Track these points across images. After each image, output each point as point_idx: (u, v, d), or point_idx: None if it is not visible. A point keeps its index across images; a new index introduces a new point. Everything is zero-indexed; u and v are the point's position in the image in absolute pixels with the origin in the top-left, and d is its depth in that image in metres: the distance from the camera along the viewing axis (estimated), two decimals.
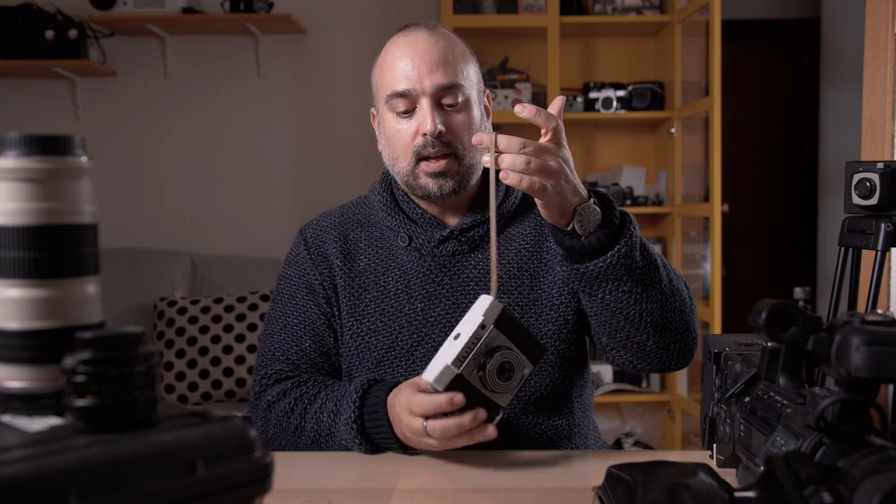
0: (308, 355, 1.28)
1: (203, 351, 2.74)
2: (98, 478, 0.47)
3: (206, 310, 2.79)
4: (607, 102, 3.12)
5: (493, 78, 3.14)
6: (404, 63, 1.22)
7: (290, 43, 3.30)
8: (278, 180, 3.33)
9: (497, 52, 3.29)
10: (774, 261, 4.58)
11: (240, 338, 2.75)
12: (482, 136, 1.06)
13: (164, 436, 0.51)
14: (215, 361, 2.73)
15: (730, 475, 0.90)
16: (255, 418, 1.27)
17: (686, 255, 3.41)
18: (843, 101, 3.78)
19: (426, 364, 1.06)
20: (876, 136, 1.86)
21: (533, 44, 3.23)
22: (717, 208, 2.94)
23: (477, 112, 1.27)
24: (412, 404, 1.04)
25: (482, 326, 1.02)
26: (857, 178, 1.36)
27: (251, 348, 2.74)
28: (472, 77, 1.27)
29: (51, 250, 0.56)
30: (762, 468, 0.63)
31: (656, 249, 1.18)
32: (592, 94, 3.14)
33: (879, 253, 1.36)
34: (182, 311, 2.80)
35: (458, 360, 1.01)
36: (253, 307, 2.79)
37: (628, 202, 3.16)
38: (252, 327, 2.76)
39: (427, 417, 1.03)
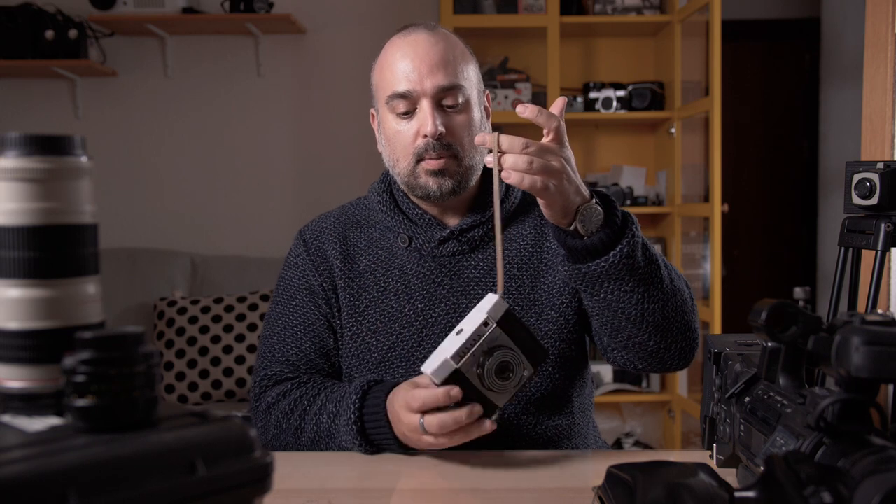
0: (308, 356, 1.28)
1: (203, 351, 2.74)
2: (98, 478, 0.47)
3: (206, 310, 2.79)
4: (607, 102, 3.12)
5: (493, 78, 3.14)
6: (405, 64, 1.22)
7: (290, 43, 3.30)
8: (278, 180, 3.33)
9: (497, 52, 3.29)
10: (774, 261, 4.58)
11: (240, 338, 2.75)
12: (485, 137, 1.06)
13: (164, 436, 0.51)
14: (215, 361, 2.73)
15: (730, 475, 0.90)
16: (255, 419, 1.27)
17: (686, 255, 3.41)
18: (843, 101, 3.78)
19: None
20: (876, 136, 1.86)
21: (533, 44, 3.23)
22: (717, 208, 2.94)
23: (477, 113, 1.27)
24: (410, 399, 1.04)
25: (485, 324, 1.02)
26: (857, 178, 1.36)
27: (251, 348, 2.74)
28: (472, 78, 1.27)
29: (51, 250, 0.56)
30: (762, 468, 0.63)
31: (657, 249, 1.18)
32: (592, 94, 3.14)
33: (879, 253, 1.36)
34: (182, 311, 2.80)
35: (458, 355, 1.01)
36: (253, 307, 2.79)
37: (628, 202, 3.16)
38: (252, 327, 2.76)
39: (424, 413, 1.03)
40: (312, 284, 1.30)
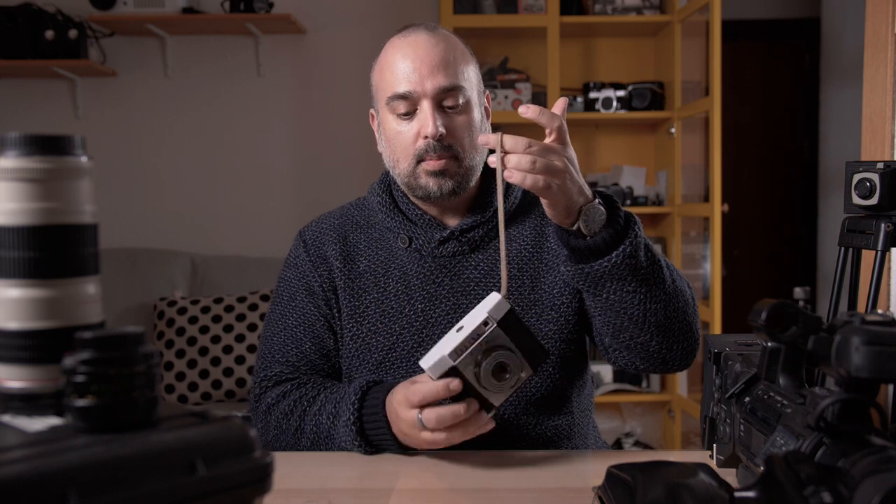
0: (308, 357, 1.28)
1: (203, 351, 2.74)
2: (98, 478, 0.47)
3: (206, 310, 2.79)
4: (607, 102, 3.12)
5: (493, 78, 3.14)
6: (405, 65, 1.22)
7: (290, 43, 3.30)
8: (278, 180, 3.33)
9: (497, 52, 3.29)
10: (774, 261, 4.58)
11: (240, 338, 2.75)
12: (488, 138, 1.06)
13: (164, 436, 0.51)
14: (215, 361, 2.73)
15: (730, 475, 0.90)
16: (255, 420, 1.27)
17: (686, 255, 3.41)
18: (843, 101, 3.78)
19: None
20: (876, 136, 1.86)
21: (533, 44, 3.23)
22: (717, 208, 2.94)
23: (477, 114, 1.27)
24: (410, 394, 1.04)
25: (485, 323, 1.02)
26: (857, 178, 1.36)
27: (251, 348, 2.74)
28: (472, 78, 1.27)
29: (51, 250, 0.56)
30: (762, 468, 0.63)
31: (658, 250, 1.19)
32: (592, 94, 3.14)
33: (879, 253, 1.36)
34: (182, 311, 2.80)
35: (456, 353, 1.01)
36: (253, 307, 2.79)
37: (628, 202, 3.16)
38: (252, 327, 2.76)
39: (423, 409, 1.03)
40: (312, 285, 1.30)
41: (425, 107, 1.22)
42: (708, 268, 3.24)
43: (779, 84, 4.54)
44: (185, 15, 3.08)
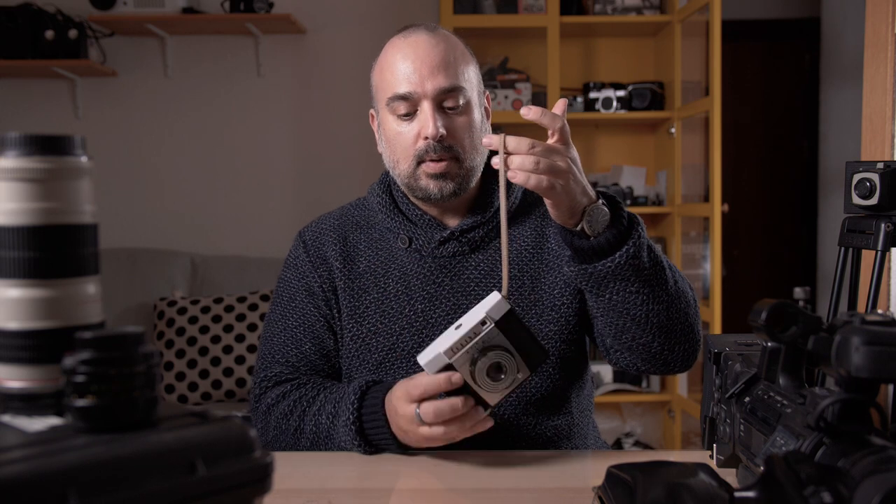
0: (308, 357, 1.28)
1: (203, 351, 2.74)
2: (98, 478, 0.47)
3: (206, 310, 2.79)
4: (607, 102, 3.12)
5: (493, 78, 3.14)
6: (405, 65, 1.22)
7: (290, 43, 3.30)
8: (278, 180, 3.33)
9: (497, 52, 3.29)
10: (774, 261, 4.58)
11: (240, 338, 2.75)
12: (491, 139, 1.06)
13: (164, 436, 0.51)
14: (215, 361, 2.73)
15: (730, 475, 0.90)
16: (255, 420, 1.27)
17: (686, 255, 3.41)
18: (843, 101, 3.78)
19: None
20: (876, 136, 1.86)
21: (533, 44, 3.23)
22: (717, 208, 2.94)
23: (478, 114, 1.27)
24: (411, 387, 1.04)
25: (482, 322, 1.02)
26: (857, 178, 1.36)
27: (251, 348, 2.74)
28: (472, 79, 1.27)
29: (51, 250, 0.56)
30: (762, 468, 0.63)
31: (661, 251, 1.19)
32: (592, 94, 3.14)
33: (879, 253, 1.36)
34: (182, 311, 2.80)
35: (452, 350, 1.02)
36: (253, 307, 2.79)
37: (628, 202, 3.16)
38: (252, 327, 2.76)
39: (421, 404, 1.03)
40: (312, 286, 1.30)
41: (425, 108, 1.22)
42: (708, 268, 3.24)
43: (779, 84, 4.54)
44: (185, 15, 3.08)
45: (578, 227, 1.09)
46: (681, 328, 1.17)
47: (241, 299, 2.81)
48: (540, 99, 3.15)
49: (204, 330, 2.76)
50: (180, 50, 3.29)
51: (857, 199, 1.37)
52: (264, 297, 2.80)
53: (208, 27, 3.20)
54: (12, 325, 0.55)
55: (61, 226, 0.56)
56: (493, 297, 1.04)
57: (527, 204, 1.34)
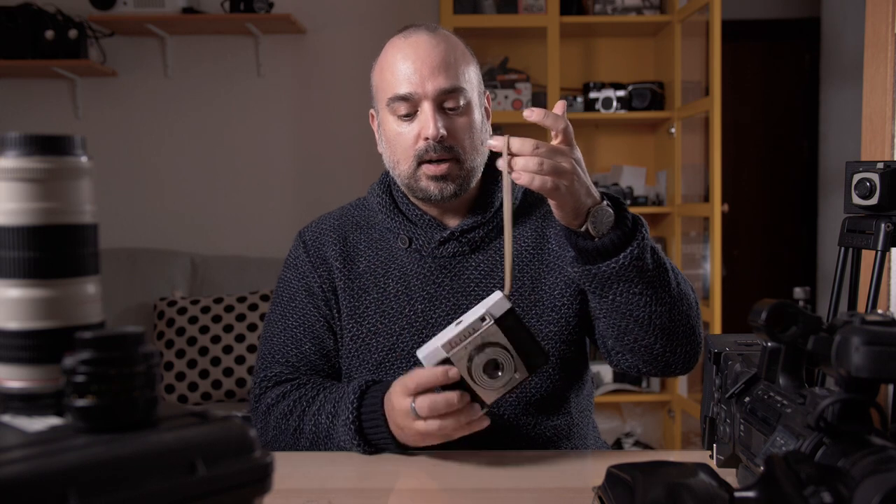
0: (308, 357, 1.28)
1: (203, 351, 2.74)
2: (98, 478, 0.47)
3: (206, 310, 2.79)
4: (607, 102, 3.12)
5: (493, 78, 3.14)
6: (406, 66, 1.22)
7: (290, 43, 3.30)
8: (278, 180, 3.33)
9: (497, 52, 3.29)
10: (774, 261, 4.58)
11: (240, 338, 2.75)
12: (496, 141, 1.06)
13: (164, 436, 0.51)
14: (215, 361, 2.73)
15: (730, 475, 0.90)
16: (255, 420, 1.27)
17: (686, 255, 3.41)
18: (843, 101, 3.78)
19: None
20: (876, 136, 1.86)
21: (533, 44, 3.23)
22: (717, 208, 2.94)
23: (478, 115, 1.27)
24: (407, 380, 1.04)
25: (482, 319, 1.02)
26: (857, 178, 1.36)
27: (251, 348, 2.74)
28: (473, 79, 1.27)
29: (51, 250, 0.56)
30: (762, 468, 0.63)
31: (663, 253, 1.19)
32: (592, 94, 3.14)
33: (879, 253, 1.36)
34: (182, 311, 2.80)
35: (450, 344, 1.02)
36: (253, 307, 2.79)
37: (628, 202, 3.16)
38: (252, 327, 2.76)
39: (417, 397, 1.03)
40: (312, 286, 1.30)
41: (426, 108, 1.21)
42: (708, 268, 3.24)
43: (779, 84, 4.54)
44: (185, 15, 3.08)
45: (583, 228, 1.09)
46: (683, 330, 1.17)
47: (241, 299, 2.81)
48: (540, 99, 3.15)
49: (204, 330, 2.76)
50: (180, 50, 3.29)
51: (857, 199, 1.37)
52: (264, 297, 2.80)
53: (208, 27, 3.20)
54: (12, 325, 0.55)
55: (61, 226, 0.56)
56: (495, 296, 1.04)
57: (527, 205, 1.34)
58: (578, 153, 1.08)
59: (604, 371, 3.16)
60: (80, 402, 0.50)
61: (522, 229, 1.31)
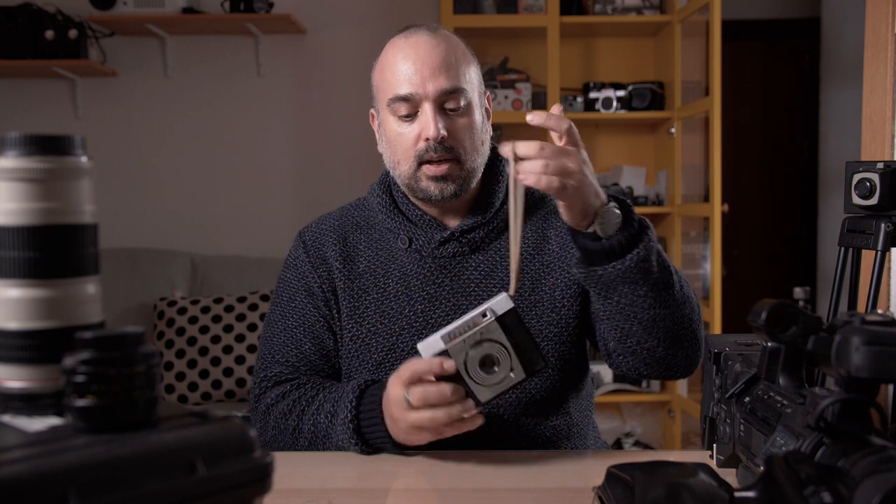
0: (307, 358, 1.28)
1: (203, 351, 2.74)
2: (98, 478, 0.47)
3: (206, 310, 2.79)
4: (607, 102, 3.12)
5: (493, 78, 3.14)
6: (406, 66, 1.22)
7: (290, 43, 3.30)
8: (278, 180, 3.33)
9: (497, 52, 3.29)
10: (774, 261, 4.58)
11: (240, 338, 2.75)
12: (504, 148, 1.06)
13: (164, 436, 0.51)
14: (215, 361, 2.73)
15: (730, 475, 0.90)
16: (255, 420, 1.26)
17: (686, 255, 3.41)
18: (843, 101, 3.78)
19: None
20: (876, 136, 1.86)
21: (533, 44, 3.23)
22: (717, 208, 2.94)
23: (478, 115, 1.27)
24: (403, 368, 1.04)
25: (483, 315, 1.03)
26: (857, 178, 1.36)
27: (251, 348, 2.74)
28: (473, 80, 1.27)
29: (51, 250, 0.56)
30: (762, 468, 0.63)
31: (667, 256, 1.19)
32: (592, 94, 3.14)
33: (879, 253, 1.36)
34: (182, 311, 2.80)
35: (449, 336, 1.02)
36: (253, 307, 2.79)
37: (628, 202, 3.16)
38: (252, 327, 2.76)
39: (411, 387, 1.03)
40: (311, 286, 1.30)
41: (427, 109, 1.21)
42: (708, 268, 3.24)
43: (779, 84, 4.54)
44: (185, 15, 3.08)
45: (590, 230, 1.09)
46: (685, 333, 1.17)
47: (241, 299, 2.81)
48: (540, 99, 3.15)
49: (204, 330, 2.76)
50: (180, 50, 3.29)
51: (857, 199, 1.37)
52: (264, 297, 2.80)
53: (208, 27, 3.20)
54: (12, 325, 0.55)
55: (61, 226, 0.56)
56: (500, 295, 1.05)
57: (528, 206, 1.34)
58: (585, 154, 1.08)
59: (604, 371, 3.16)
60: (80, 402, 0.50)
61: (523, 230, 1.31)
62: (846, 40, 3.75)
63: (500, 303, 1.04)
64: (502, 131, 3.28)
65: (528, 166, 1.03)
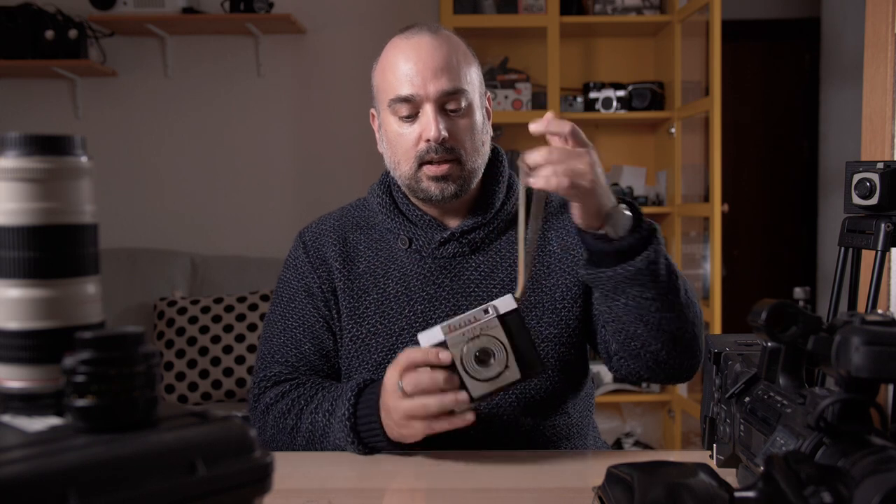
0: (307, 358, 1.28)
1: (203, 351, 2.74)
2: (98, 478, 0.47)
3: (206, 310, 2.79)
4: (607, 102, 3.12)
5: (493, 78, 3.14)
6: (408, 67, 1.22)
7: (290, 43, 3.30)
8: (278, 180, 3.33)
9: (497, 52, 3.29)
10: (774, 261, 4.58)
11: (240, 338, 2.75)
12: (521, 163, 1.06)
13: (164, 436, 0.51)
14: (215, 361, 2.73)
15: (730, 475, 0.90)
16: (254, 420, 1.26)
17: (686, 255, 3.41)
18: (843, 101, 3.78)
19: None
20: (876, 136, 1.86)
21: (533, 44, 3.23)
22: (717, 208, 2.94)
23: (479, 116, 1.27)
24: (401, 356, 1.05)
25: (485, 311, 1.03)
26: (857, 178, 1.36)
27: (251, 348, 2.74)
28: (474, 81, 1.27)
29: (51, 250, 0.56)
30: (762, 468, 0.63)
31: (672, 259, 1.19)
32: (592, 94, 3.14)
33: (879, 253, 1.36)
34: (182, 311, 2.80)
35: (449, 328, 1.03)
36: (253, 307, 2.79)
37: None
38: (252, 327, 2.76)
39: (405, 375, 1.03)
40: (311, 286, 1.30)
41: (428, 110, 1.21)
42: (708, 268, 3.24)
43: (779, 84, 4.54)
44: (185, 15, 3.08)
45: (602, 231, 1.09)
46: (689, 337, 1.18)
47: (241, 299, 2.81)
48: (540, 99, 3.14)
49: (204, 330, 2.76)
50: (180, 50, 3.29)
51: (857, 199, 1.37)
52: (264, 297, 2.80)
53: (208, 27, 3.20)
54: (12, 325, 0.55)
55: (61, 226, 0.56)
56: (506, 296, 1.05)
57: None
58: (595, 155, 1.07)
59: (604, 371, 3.15)
60: (80, 402, 0.50)
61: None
62: (846, 40, 3.75)
63: (504, 302, 1.04)
64: (502, 131, 3.28)
65: (540, 171, 1.04)
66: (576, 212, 1.09)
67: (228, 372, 2.73)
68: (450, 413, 1.03)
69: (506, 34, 3.27)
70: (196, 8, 3.15)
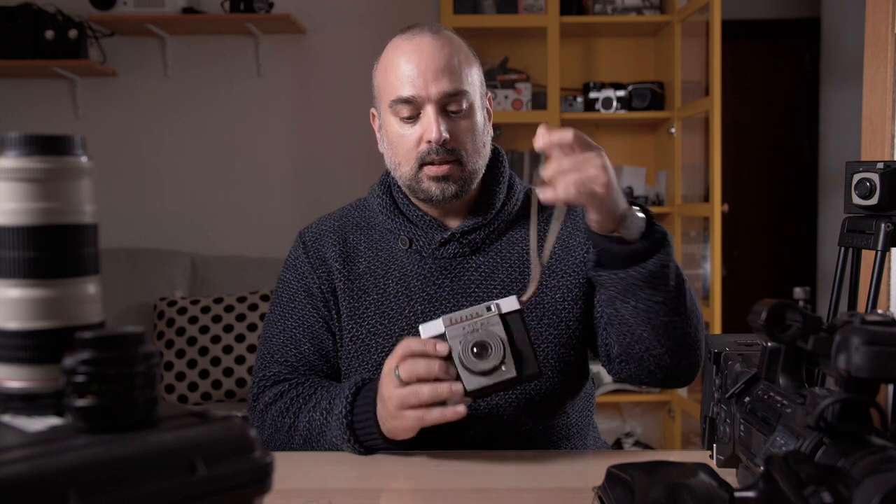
0: (306, 358, 1.28)
1: (203, 351, 2.74)
2: (98, 478, 0.47)
3: (206, 310, 2.79)
4: (607, 102, 3.12)
5: (493, 78, 3.14)
6: (409, 68, 1.21)
7: (290, 43, 3.30)
8: (278, 180, 3.33)
9: (497, 52, 3.29)
10: (774, 261, 4.58)
11: (240, 338, 2.75)
12: (537, 180, 1.06)
13: (164, 436, 0.51)
14: (215, 361, 2.73)
15: (730, 475, 0.90)
16: (253, 419, 1.26)
17: (686, 255, 3.41)
18: (843, 101, 3.78)
19: None
20: (876, 136, 1.86)
21: (533, 44, 3.23)
22: (717, 208, 2.94)
23: (480, 117, 1.27)
24: (398, 345, 1.05)
25: (488, 308, 1.04)
26: (857, 178, 1.36)
27: (251, 348, 2.74)
28: (475, 82, 1.27)
29: (51, 250, 0.56)
30: (762, 468, 0.63)
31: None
32: (592, 94, 3.14)
33: (879, 253, 1.36)
34: (182, 311, 2.80)
35: (450, 320, 1.03)
36: (253, 307, 2.79)
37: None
38: (252, 327, 2.76)
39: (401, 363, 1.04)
40: (311, 287, 1.30)
41: (429, 111, 1.21)
42: (708, 268, 3.24)
43: (779, 84, 4.54)
44: (185, 15, 3.08)
45: (616, 233, 1.09)
46: (692, 342, 1.18)
47: (241, 299, 2.81)
48: (540, 99, 3.14)
49: (204, 330, 2.76)
50: (180, 50, 3.29)
51: (857, 199, 1.37)
52: (264, 297, 2.80)
53: (208, 27, 3.20)
54: (12, 325, 0.55)
55: (61, 226, 0.56)
56: (510, 297, 1.06)
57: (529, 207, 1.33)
58: (605, 159, 1.06)
59: (604, 371, 3.15)
60: (80, 402, 0.50)
61: (525, 232, 1.30)
62: (846, 40, 3.75)
63: (508, 302, 1.05)
64: (502, 131, 3.28)
65: (555, 185, 1.03)
66: (591, 216, 1.09)
67: (228, 372, 2.73)
68: (441, 404, 1.02)
69: (506, 34, 3.27)
70: (196, 8, 3.15)
